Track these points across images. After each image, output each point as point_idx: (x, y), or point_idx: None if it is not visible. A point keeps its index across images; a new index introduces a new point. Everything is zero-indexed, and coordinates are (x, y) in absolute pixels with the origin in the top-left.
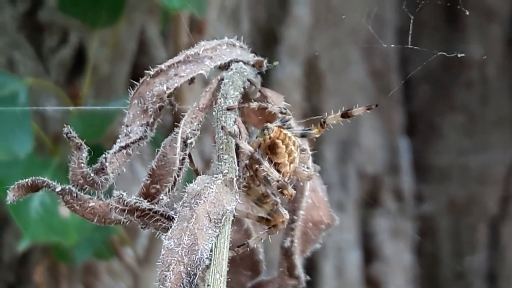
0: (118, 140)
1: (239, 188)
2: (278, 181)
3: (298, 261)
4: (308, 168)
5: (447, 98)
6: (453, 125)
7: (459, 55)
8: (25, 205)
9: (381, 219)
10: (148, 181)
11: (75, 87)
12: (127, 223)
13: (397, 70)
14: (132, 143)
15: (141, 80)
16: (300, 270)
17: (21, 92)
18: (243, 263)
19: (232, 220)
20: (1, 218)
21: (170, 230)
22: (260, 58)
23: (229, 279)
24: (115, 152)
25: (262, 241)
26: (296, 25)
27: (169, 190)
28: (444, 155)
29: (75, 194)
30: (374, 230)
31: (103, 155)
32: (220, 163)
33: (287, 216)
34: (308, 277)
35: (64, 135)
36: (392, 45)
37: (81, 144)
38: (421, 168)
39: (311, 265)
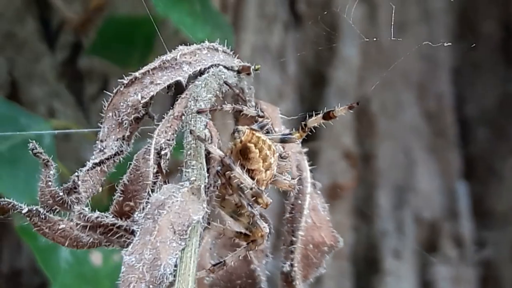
0: (92, 157)
1: (211, 199)
2: (251, 188)
3: (300, 287)
4: (291, 178)
5: (506, 139)
6: None
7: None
8: (54, 253)
9: (440, 266)
10: (121, 198)
11: None
12: (98, 245)
13: (453, 112)
14: (107, 159)
15: (114, 90)
16: None
17: (47, 135)
18: None
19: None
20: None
21: (132, 244)
22: (246, 64)
23: None
24: (88, 170)
25: (240, 257)
26: (344, 66)
27: (143, 207)
28: (505, 199)
29: (43, 216)
30: (434, 278)
31: (75, 173)
32: (188, 170)
33: (266, 229)
34: None
35: (30, 151)
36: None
37: (48, 161)
38: (480, 213)
39: None
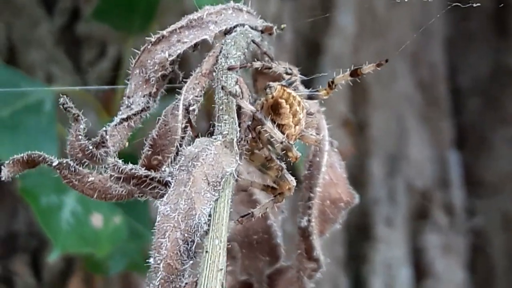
0: (120, 112)
1: (241, 152)
2: (282, 142)
3: (317, 242)
4: (316, 133)
5: (497, 109)
6: (505, 138)
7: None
8: (55, 215)
9: (431, 234)
10: (150, 152)
11: (108, 95)
12: (126, 198)
13: (446, 81)
14: (134, 114)
15: (142, 48)
16: (318, 252)
17: (47, 99)
18: (260, 247)
19: (242, 190)
20: (41, 236)
21: (166, 195)
22: (269, 24)
23: (247, 265)
24: (116, 125)
25: (268, 210)
26: (340, 35)
27: (171, 161)
28: (496, 168)
29: (73, 169)
30: (425, 246)
31: (104, 128)
32: (220, 124)
33: (293, 182)
34: (328, 260)
35: (60, 106)
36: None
37: (78, 116)
38: (472, 182)
39: (360, 282)
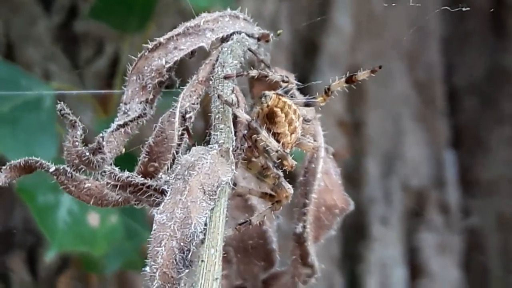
0: (116, 119)
1: (238, 160)
2: (277, 151)
3: (312, 248)
4: (314, 140)
5: (493, 109)
6: (500, 137)
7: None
8: (52, 213)
9: (427, 233)
10: (146, 159)
11: (105, 94)
12: (123, 204)
13: (442, 81)
14: (131, 121)
15: (139, 55)
16: (313, 258)
17: (47, 96)
18: (255, 252)
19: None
20: (37, 233)
21: (162, 203)
22: (266, 31)
23: (242, 270)
24: (112, 131)
25: (266, 217)
26: (337, 34)
27: (168, 168)
28: (492, 168)
29: (69, 175)
30: (420, 245)
31: (100, 134)
32: (216, 133)
33: (291, 190)
34: (323, 266)
35: (57, 112)
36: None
37: (75, 122)
38: (467, 182)
39: (355, 281)
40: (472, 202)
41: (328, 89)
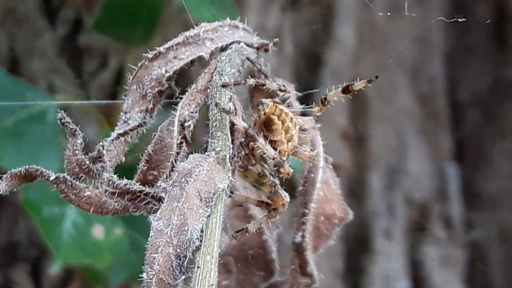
0: (117, 128)
1: (235, 168)
2: (274, 158)
3: (311, 258)
4: (310, 149)
5: (496, 123)
6: (503, 151)
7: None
8: (57, 226)
9: (430, 247)
10: (145, 167)
11: (109, 106)
12: (122, 212)
13: (445, 95)
14: (131, 130)
15: (139, 64)
16: (312, 268)
17: (51, 109)
18: (255, 262)
19: (237, 205)
20: (41, 246)
21: (159, 210)
22: (265, 41)
23: (242, 280)
24: (113, 140)
25: (262, 225)
26: (340, 47)
27: (167, 176)
28: (495, 181)
29: (69, 183)
30: (423, 258)
31: (101, 143)
32: (213, 141)
33: (287, 198)
34: (322, 276)
35: (58, 121)
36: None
37: (75, 131)
38: (470, 195)
39: None
40: (475, 215)
41: (325, 99)
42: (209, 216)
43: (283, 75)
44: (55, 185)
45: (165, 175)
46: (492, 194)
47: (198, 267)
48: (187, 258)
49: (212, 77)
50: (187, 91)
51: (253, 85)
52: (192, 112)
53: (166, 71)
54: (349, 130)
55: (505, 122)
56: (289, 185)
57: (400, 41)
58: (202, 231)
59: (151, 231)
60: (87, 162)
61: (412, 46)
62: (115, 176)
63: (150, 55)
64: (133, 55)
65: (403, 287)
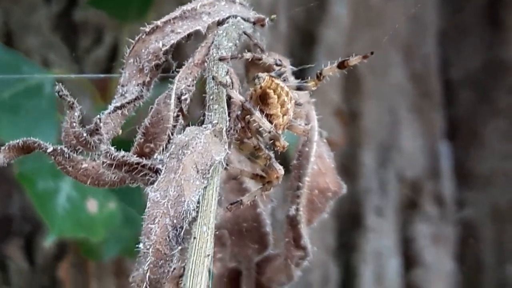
0: (114, 101)
1: (231, 140)
2: (269, 132)
3: (304, 231)
4: (305, 124)
5: (489, 102)
6: (495, 130)
7: None
8: (52, 200)
9: (421, 224)
10: (142, 140)
11: (105, 81)
12: (119, 184)
13: (439, 73)
14: (128, 103)
15: (136, 38)
16: (306, 240)
17: (47, 83)
18: (249, 235)
19: (232, 178)
20: (35, 221)
21: (156, 182)
22: (261, 16)
23: (236, 252)
24: (110, 113)
25: (256, 197)
26: (334, 25)
27: (163, 149)
28: (487, 160)
29: (67, 155)
30: (415, 236)
31: (98, 116)
32: (210, 113)
33: (281, 171)
34: (315, 248)
35: (56, 94)
36: None
37: (73, 103)
38: (462, 174)
39: (350, 271)
40: (467, 194)
41: (320, 73)
42: (205, 187)
43: (278, 52)
44: (52, 157)
45: (161, 148)
46: (484, 173)
47: (195, 237)
48: (184, 229)
49: (209, 50)
50: (183, 65)
51: (250, 59)
52: (189, 86)
53: (163, 45)
54: (342, 107)
55: (498, 102)
56: (284, 159)
57: (395, 20)
58: (198, 202)
59: (148, 202)
60: (85, 134)
61: (406, 25)
62: (112, 148)
63: (147, 29)
64: (128, 31)
65: (394, 264)
